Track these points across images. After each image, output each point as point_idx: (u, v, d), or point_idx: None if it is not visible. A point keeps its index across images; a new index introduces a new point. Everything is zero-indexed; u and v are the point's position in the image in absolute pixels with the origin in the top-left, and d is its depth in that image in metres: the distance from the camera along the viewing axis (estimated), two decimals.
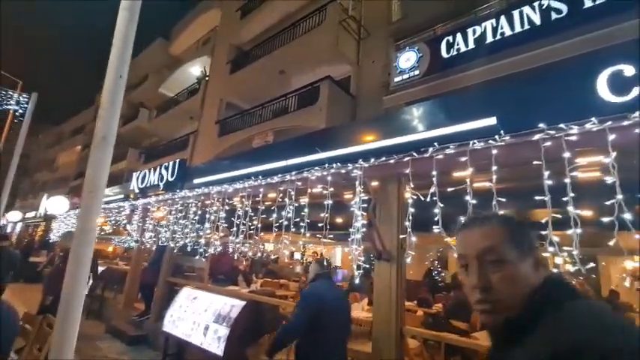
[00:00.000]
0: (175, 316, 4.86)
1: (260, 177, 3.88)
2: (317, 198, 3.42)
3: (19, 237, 23.74)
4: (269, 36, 11.78)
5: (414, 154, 2.48)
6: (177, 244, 5.08)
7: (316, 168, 3.36)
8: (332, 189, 2.96)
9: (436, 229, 2.16)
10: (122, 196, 9.21)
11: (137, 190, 6.99)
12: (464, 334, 4.36)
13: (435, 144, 2.56)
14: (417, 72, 7.34)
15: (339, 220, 5.40)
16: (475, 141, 2.23)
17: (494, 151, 2.12)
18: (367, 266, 2.98)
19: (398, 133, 2.88)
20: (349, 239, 2.64)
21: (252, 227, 3.68)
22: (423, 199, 2.34)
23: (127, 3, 2.37)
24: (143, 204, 6.55)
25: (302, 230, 2.94)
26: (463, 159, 2.25)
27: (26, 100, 10.16)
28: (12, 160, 8.70)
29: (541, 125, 2.12)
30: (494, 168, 2.08)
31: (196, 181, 5.12)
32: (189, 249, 5.01)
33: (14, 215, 22.44)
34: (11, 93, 9.85)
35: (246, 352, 4.22)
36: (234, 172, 4.29)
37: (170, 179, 6.05)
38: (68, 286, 2.06)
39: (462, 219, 2.21)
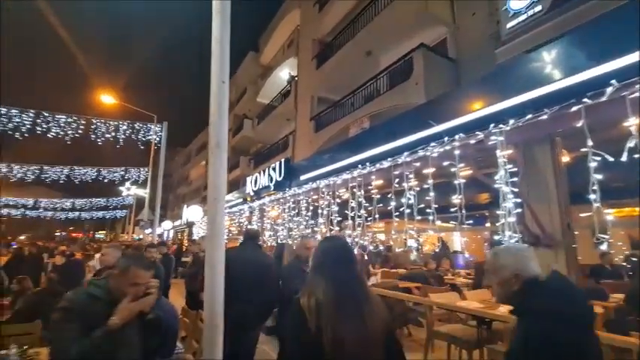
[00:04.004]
0: None
1: (368, 163, 3.57)
2: (425, 179, 2.94)
3: (173, 241, 29.52)
4: (350, 20, 11.36)
5: (587, 100, 1.77)
6: (295, 241, 5.22)
7: (433, 144, 2.87)
8: (462, 164, 2.44)
9: None
10: (241, 200, 10.18)
11: (252, 193, 7.55)
12: None
13: (613, 81, 1.81)
14: (538, 8, 5.89)
15: (456, 201, 4.72)
16: None
17: None
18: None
19: (547, 79, 2.16)
20: (498, 224, 2.10)
21: (369, 218, 3.42)
22: (611, 159, 1.64)
23: (218, 3, 2.33)
24: (259, 205, 7.04)
25: (431, 217, 2.52)
26: None
27: (160, 129, 12.21)
28: (158, 180, 10.61)
29: None
30: None
31: (303, 177, 5.14)
32: None
33: (167, 224, 27.94)
34: (149, 126, 11.93)
35: None
36: (340, 163, 4.09)
37: (279, 179, 6.30)
38: (208, 292, 2.09)
39: None
